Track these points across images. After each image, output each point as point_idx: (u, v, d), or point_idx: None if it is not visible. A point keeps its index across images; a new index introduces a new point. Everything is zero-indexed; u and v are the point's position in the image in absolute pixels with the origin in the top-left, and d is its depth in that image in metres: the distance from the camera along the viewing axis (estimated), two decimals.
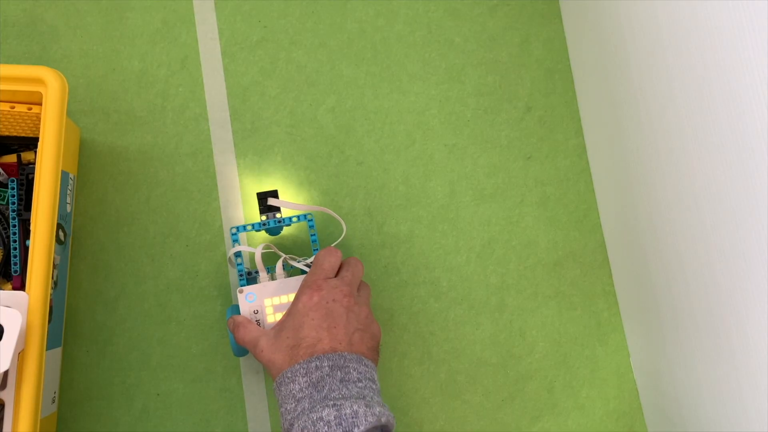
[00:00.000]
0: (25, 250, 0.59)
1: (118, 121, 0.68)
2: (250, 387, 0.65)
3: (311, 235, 0.62)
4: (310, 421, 0.48)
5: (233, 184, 0.68)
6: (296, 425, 0.48)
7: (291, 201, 0.67)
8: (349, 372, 0.51)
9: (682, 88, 0.50)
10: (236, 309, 0.61)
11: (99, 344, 0.65)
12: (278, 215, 0.62)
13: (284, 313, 0.58)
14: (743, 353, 0.49)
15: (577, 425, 0.68)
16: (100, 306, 0.65)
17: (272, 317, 0.59)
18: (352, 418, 0.47)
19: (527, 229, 0.70)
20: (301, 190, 0.68)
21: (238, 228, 0.61)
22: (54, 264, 0.57)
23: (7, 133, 0.62)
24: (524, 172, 0.71)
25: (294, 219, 0.62)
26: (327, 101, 0.70)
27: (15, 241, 0.59)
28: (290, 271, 0.63)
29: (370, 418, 0.48)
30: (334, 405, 0.48)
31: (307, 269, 0.61)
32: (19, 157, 0.62)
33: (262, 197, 0.62)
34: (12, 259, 0.59)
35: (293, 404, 0.50)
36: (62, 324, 0.63)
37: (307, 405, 0.50)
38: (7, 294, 0.49)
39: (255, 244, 0.67)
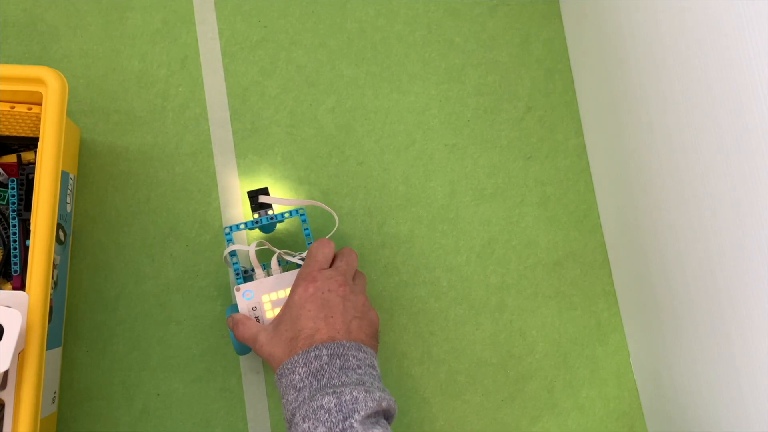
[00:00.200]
0: (25, 250, 0.59)
1: (118, 121, 0.68)
2: (250, 387, 0.65)
3: (304, 229, 0.62)
4: (310, 410, 0.48)
5: (233, 184, 0.68)
6: (298, 415, 0.49)
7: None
8: (348, 359, 0.52)
9: (682, 87, 0.50)
10: (236, 308, 0.61)
11: (99, 344, 0.65)
12: (270, 212, 0.62)
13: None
14: (743, 353, 0.49)
15: (577, 425, 0.68)
16: (100, 306, 0.65)
17: (271, 313, 0.59)
18: (352, 404, 0.48)
19: (527, 229, 0.70)
20: (301, 189, 0.68)
21: (231, 227, 0.61)
22: (54, 264, 0.57)
23: (7, 133, 0.62)
24: (524, 172, 0.71)
25: (286, 214, 0.62)
26: (327, 101, 0.70)
27: (15, 241, 0.59)
28: (286, 267, 0.63)
29: (370, 403, 0.48)
30: (333, 392, 0.49)
31: (302, 263, 0.61)
32: (19, 157, 0.62)
33: (253, 195, 0.62)
34: (12, 259, 0.59)
35: (294, 394, 0.51)
36: (62, 324, 0.63)
37: (307, 394, 0.50)
38: (7, 294, 0.49)
39: (252, 242, 0.67)
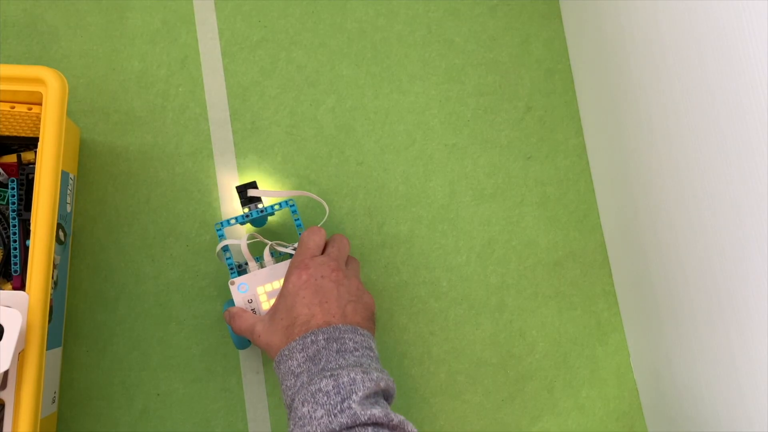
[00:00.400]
0: (25, 250, 0.59)
1: (118, 121, 0.68)
2: (250, 387, 0.65)
3: (295, 220, 0.63)
4: (309, 394, 0.48)
5: (233, 184, 0.68)
6: (297, 399, 0.49)
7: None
8: (345, 342, 0.52)
9: (682, 87, 0.50)
10: (232, 303, 0.61)
11: (99, 344, 0.65)
12: (260, 205, 0.62)
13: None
14: (743, 353, 0.49)
15: (577, 425, 0.68)
16: (100, 306, 0.65)
17: (267, 304, 0.60)
18: (350, 385, 0.48)
19: (527, 229, 0.70)
20: (300, 189, 0.68)
21: (222, 223, 0.61)
22: (54, 264, 0.57)
23: (7, 133, 0.62)
24: (524, 172, 0.71)
25: (276, 207, 0.62)
26: (327, 101, 0.70)
27: (15, 241, 0.59)
28: (279, 258, 0.63)
29: (367, 384, 0.48)
30: (331, 375, 0.49)
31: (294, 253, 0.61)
32: (19, 157, 0.62)
33: (242, 190, 0.62)
34: (12, 259, 0.59)
35: (292, 380, 0.51)
36: (62, 324, 0.63)
37: (305, 379, 0.50)
38: (7, 294, 0.49)
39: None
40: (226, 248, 0.61)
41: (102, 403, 0.64)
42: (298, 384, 0.50)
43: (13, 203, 0.59)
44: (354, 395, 0.47)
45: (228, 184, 0.68)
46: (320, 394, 0.48)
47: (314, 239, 0.59)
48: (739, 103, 0.43)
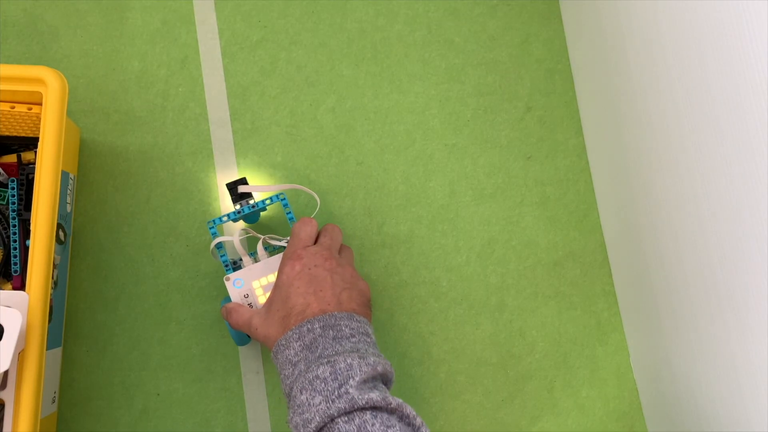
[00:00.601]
0: (25, 250, 0.59)
1: (118, 121, 0.68)
2: (250, 387, 0.65)
3: (287, 213, 0.63)
4: (307, 381, 0.49)
5: None
6: (295, 388, 0.49)
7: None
8: (341, 329, 0.52)
9: (682, 87, 0.50)
10: (230, 300, 0.61)
11: (99, 344, 0.65)
12: (251, 201, 0.62)
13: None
14: (743, 353, 0.49)
15: (577, 425, 0.68)
16: (100, 306, 0.65)
17: (263, 298, 0.60)
18: (347, 370, 0.48)
19: (527, 229, 0.70)
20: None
21: (214, 221, 0.61)
22: (54, 264, 0.57)
23: (7, 133, 0.62)
24: (524, 172, 0.71)
25: (267, 201, 0.62)
26: (327, 101, 0.70)
27: (15, 241, 0.59)
28: (273, 251, 0.63)
29: (364, 368, 0.48)
30: (328, 362, 0.49)
31: None
32: (19, 157, 0.62)
33: (232, 187, 0.62)
34: (12, 259, 0.59)
35: (290, 369, 0.51)
36: (62, 324, 0.63)
37: (303, 367, 0.50)
38: (7, 294, 0.49)
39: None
40: (219, 245, 0.62)
41: (102, 403, 0.64)
42: (296, 372, 0.51)
43: (13, 203, 0.59)
44: (351, 380, 0.48)
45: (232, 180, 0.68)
46: (318, 381, 0.48)
47: (306, 230, 0.59)
48: (739, 103, 0.43)
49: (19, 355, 0.49)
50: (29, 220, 0.54)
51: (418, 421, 0.47)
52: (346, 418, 0.46)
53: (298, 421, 0.48)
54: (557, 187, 0.71)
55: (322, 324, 0.52)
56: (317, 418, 0.46)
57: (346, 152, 0.69)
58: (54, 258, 0.53)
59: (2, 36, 0.68)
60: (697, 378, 0.57)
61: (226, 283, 0.60)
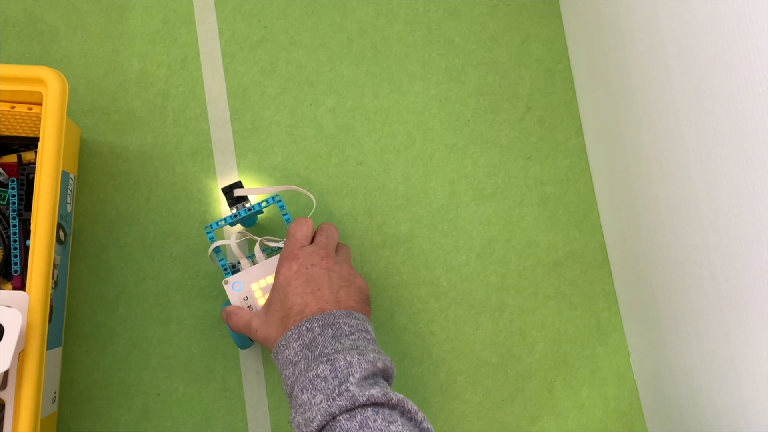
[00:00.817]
0: (25, 250, 0.59)
1: (118, 121, 0.68)
2: (250, 387, 0.65)
3: (283, 215, 0.63)
4: (307, 380, 0.49)
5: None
6: (296, 387, 0.49)
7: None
8: (340, 327, 0.52)
9: (682, 87, 0.50)
10: (230, 303, 0.61)
11: (99, 344, 0.65)
12: (247, 204, 0.62)
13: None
14: (743, 353, 0.49)
15: (577, 425, 0.68)
16: (100, 306, 0.65)
17: (262, 300, 0.60)
18: (347, 368, 0.48)
19: (527, 229, 0.70)
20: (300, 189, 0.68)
21: (211, 225, 0.62)
22: (54, 264, 0.57)
23: (7, 133, 0.62)
24: (524, 172, 0.71)
25: (263, 203, 0.62)
26: (327, 101, 0.70)
27: (15, 241, 0.59)
28: (270, 253, 0.63)
29: (364, 365, 0.49)
30: (328, 360, 0.49)
31: None
32: (19, 157, 0.62)
33: (228, 190, 0.62)
34: (12, 259, 0.59)
35: (291, 369, 0.51)
36: (62, 324, 0.63)
37: (303, 366, 0.51)
38: (8, 294, 0.49)
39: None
40: (218, 250, 0.62)
41: (102, 403, 0.64)
42: (297, 372, 0.51)
43: (14, 203, 0.59)
44: (351, 377, 0.48)
45: (228, 184, 0.68)
46: (318, 380, 0.48)
47: (302, 230, 0.59)
48: (739, 104, 0.43)
49: (20, 355, 0.49)
50: (29, 220, 0.54)
51: (420, 415, 0.48)
52: (348, 416, 0.46)
53: (300, 420, 0.48)
54: (557, 187, 0.71)
55: (320, 323, 0.52)
56: (319, 416, 0.46)
57: (346, 152, 0.69)
58: (54, 258, 0.53)
59: (2, 36, 0.68)
60: (697, 378, 0.57)
61: (225, 286, 0.60)
